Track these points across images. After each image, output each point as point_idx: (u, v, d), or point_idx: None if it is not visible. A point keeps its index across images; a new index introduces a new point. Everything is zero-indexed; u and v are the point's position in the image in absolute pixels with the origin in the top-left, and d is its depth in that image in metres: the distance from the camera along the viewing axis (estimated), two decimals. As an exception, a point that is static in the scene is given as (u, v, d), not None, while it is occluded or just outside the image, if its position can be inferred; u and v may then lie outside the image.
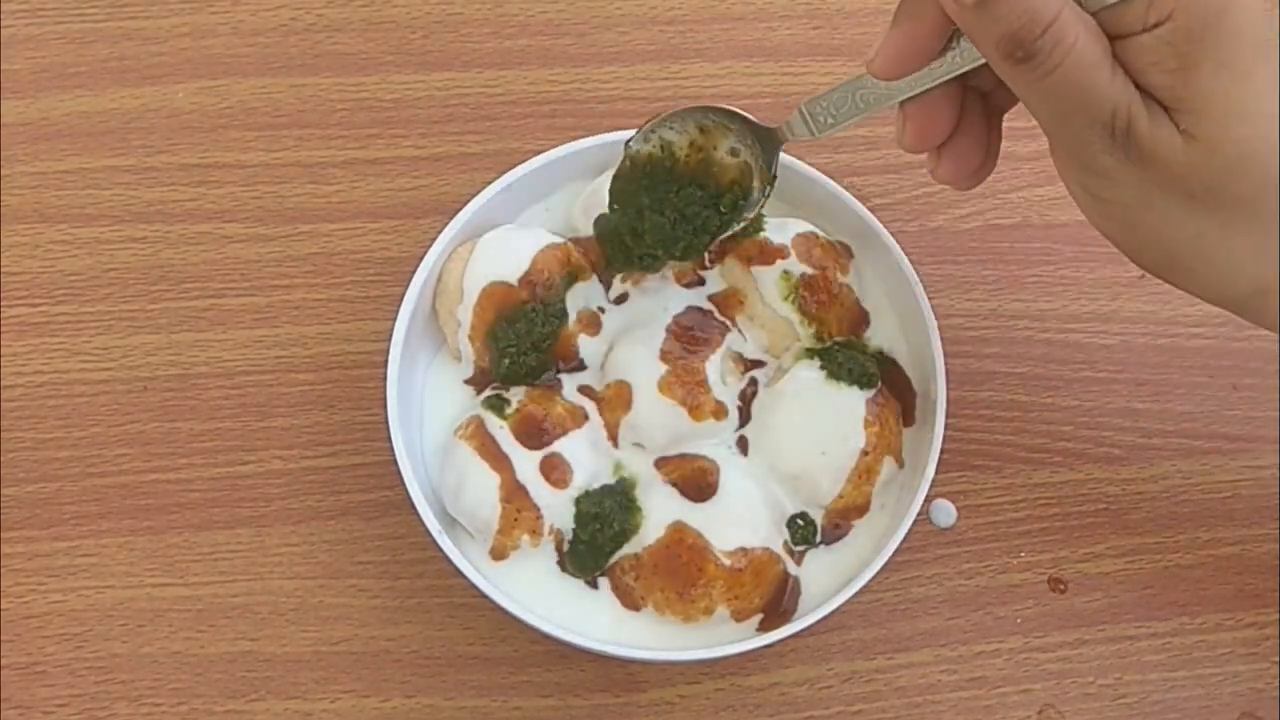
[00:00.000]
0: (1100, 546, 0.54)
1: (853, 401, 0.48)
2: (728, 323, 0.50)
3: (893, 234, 0.51)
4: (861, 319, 0.52)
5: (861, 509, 0.49)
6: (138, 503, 0.53)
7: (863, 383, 0.49)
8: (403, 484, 0.47)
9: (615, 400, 0.49)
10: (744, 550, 0.47)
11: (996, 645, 0.52)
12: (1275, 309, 0.39)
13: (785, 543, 0.48)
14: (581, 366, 0.50)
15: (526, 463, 0.47)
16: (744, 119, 0.45)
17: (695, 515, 0.47)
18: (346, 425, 0.54)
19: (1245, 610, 0.53)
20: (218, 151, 0.59)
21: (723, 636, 0.46)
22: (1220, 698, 0.52)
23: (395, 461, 0.47)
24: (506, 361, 0.49)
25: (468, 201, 0.51)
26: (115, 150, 0.59)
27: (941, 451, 0.48)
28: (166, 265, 0.57)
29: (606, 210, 0.48)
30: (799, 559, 0.49)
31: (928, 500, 0.49)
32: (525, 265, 0.49)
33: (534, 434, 0.47)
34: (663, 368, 0.48)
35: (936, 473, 0.48)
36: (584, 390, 0.49)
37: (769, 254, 0.50)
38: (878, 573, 0.46)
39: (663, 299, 0.51)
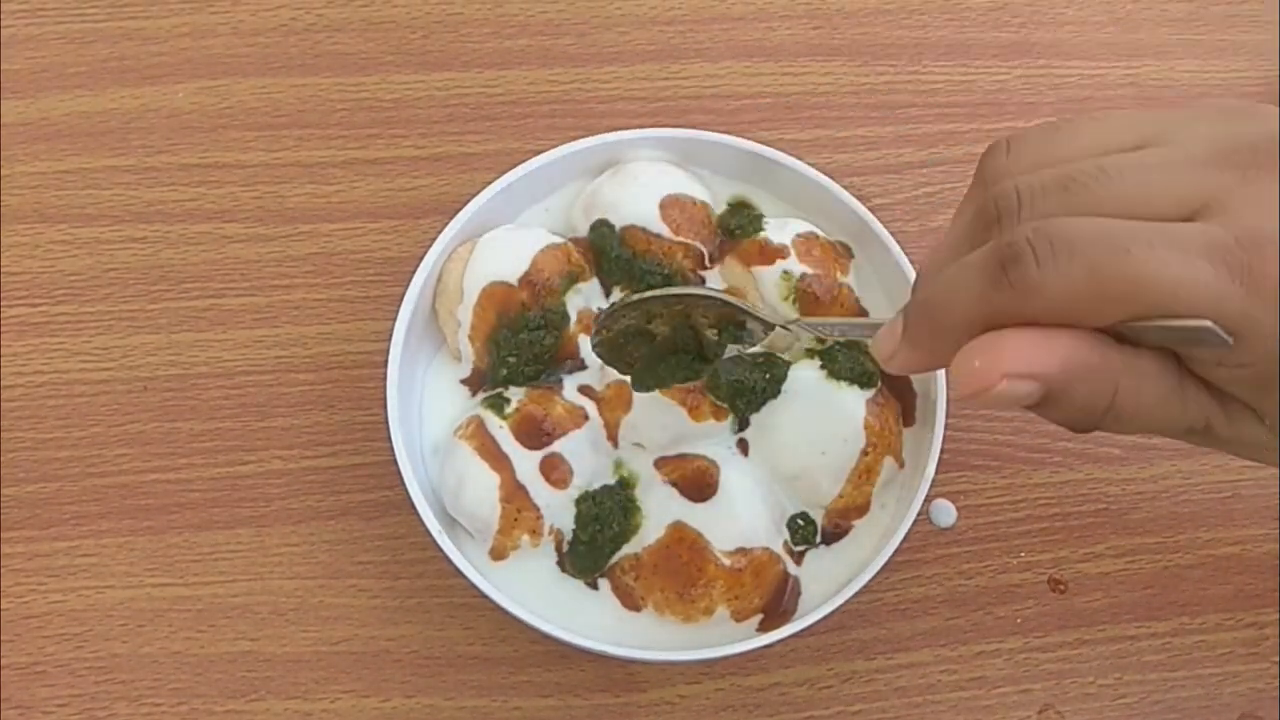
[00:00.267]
0: (1100, 546, 0.54)
1: (853, 401, 0.48)
2: (728, 323, 0.50)
3: (893, 234, 0.51)
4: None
5: (861, 509, 0.49)
6: (138, 503, 0.53)
7: (863, 383, 0.49)
8: (403, 484, 0.47)
9: (615, 400, 0.49)
10: (744, 550, 0.47)
11: (996, 645, 0.52)
12: None
13: (785, 543, 0.48)
14: (582, 366, 0.50)
15: (526, 463, 0.47)
16: (726, 304, 0.44)
17: (695, 515, 0.47)
18: (346, 425, 0.54)
19: (1245, 610, 0.53)
20: (218, 151, 0.59)
21: (723, 636, 0.46)
22: (1220, 698, 0.52)
23: (395, 461, 0.47)
24: (504, 371, 0.49)
25: (468, 201, 0.51)
26: (115, 150, 0.59)
27: (941, 451, 0.48)
28: (166, 265, 0.57)
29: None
30: (799, 559, 0.49)
31: (928, 500, 0.49)
32: (525, 265, 0.49)
33: (534, 434, 0.47)
34: (663, 368, 0.48)
35: (936, 473, 0.48)
36: (584, 390, 0.49)
37: (769, 254, 0.50)
38: (878, 573, 0.46)
39: (663, 299, 0.51)
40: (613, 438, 0.49)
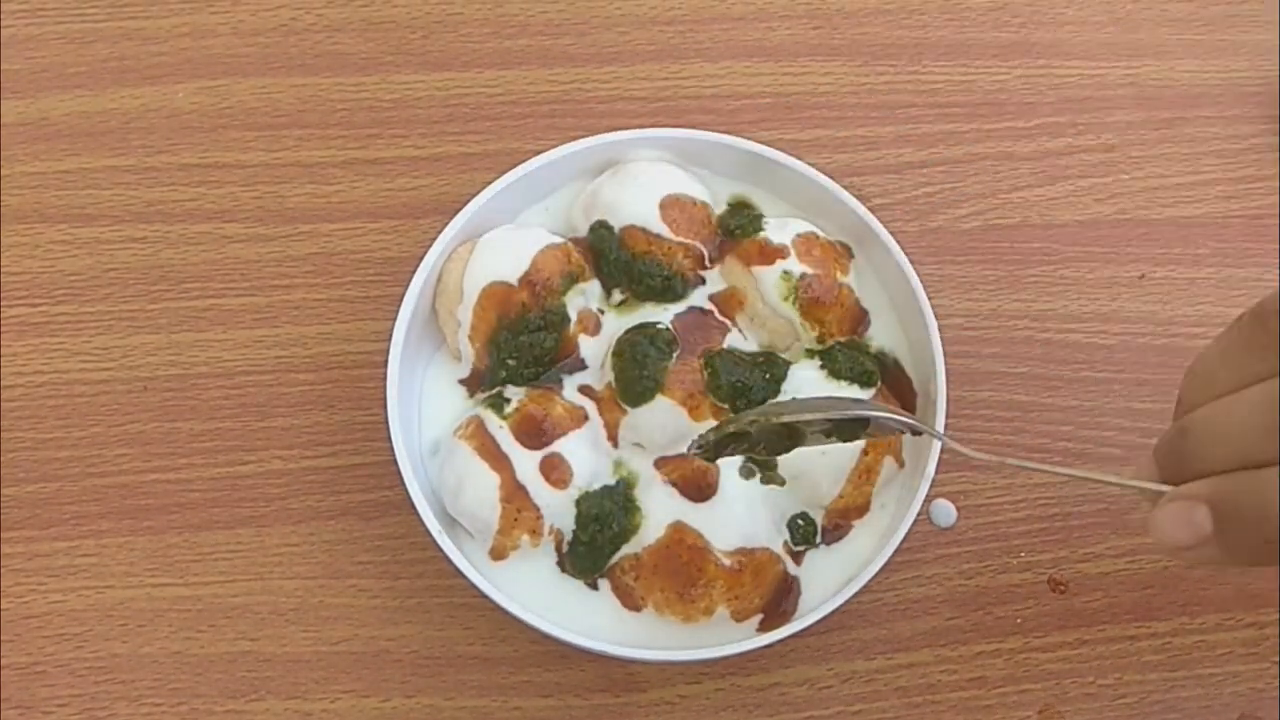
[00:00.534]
0: (1100, 546, 0.54)
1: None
2: (728, 323, 0.50)
3: (893, 234, 0.51)
4: (861, 319, 0.52)
5: (861, 509, 0.49)
6: (138, 503, 0.53)
7: (863, 382, 0.49)
8: (403, 484, 0.47)
9: (615, 400, 0.49)
10: (744, 550, 0.47)
11: (996, 645, 0.52)
12: None
13: (785, 543, 0.48)
14: (582, 366, 0.50)
15: (526, 463, 0.47)
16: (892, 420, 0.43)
17: (695, 515, 0.47)
18: (346, 425, 0.54)
19: (1245, 610, 0.53)
20: (218, 151, 0.59)
21: (723, 636, 0.46)
22: (1220, 698, 0.52)
23: (395, 461, 0.47)
24: (504, 374, 0.49)
25: (468, 201, 0.51)
26: (115, 150, 0.59)
27: (941, 451, 0.48)
28: (166, 265, 0.57)
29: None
30: (799, 559, 0.49)
31: (928, 500, 0.49)
32: (525, 265, 0.49)
33: (534, 434, 0.47)
34: (663, 368, 0.48)
35: (936, 473, 0.48)
36: (584, 390, 0.49)
37: (769, 254, 0.50)
38: (878, 573, 0.46)
39: (663, 299, 0.51)
40: (613, 438, 0.49)
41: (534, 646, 0.51)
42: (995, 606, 0.53)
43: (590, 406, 0.49)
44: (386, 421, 0.47)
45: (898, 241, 0.51)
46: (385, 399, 0.47)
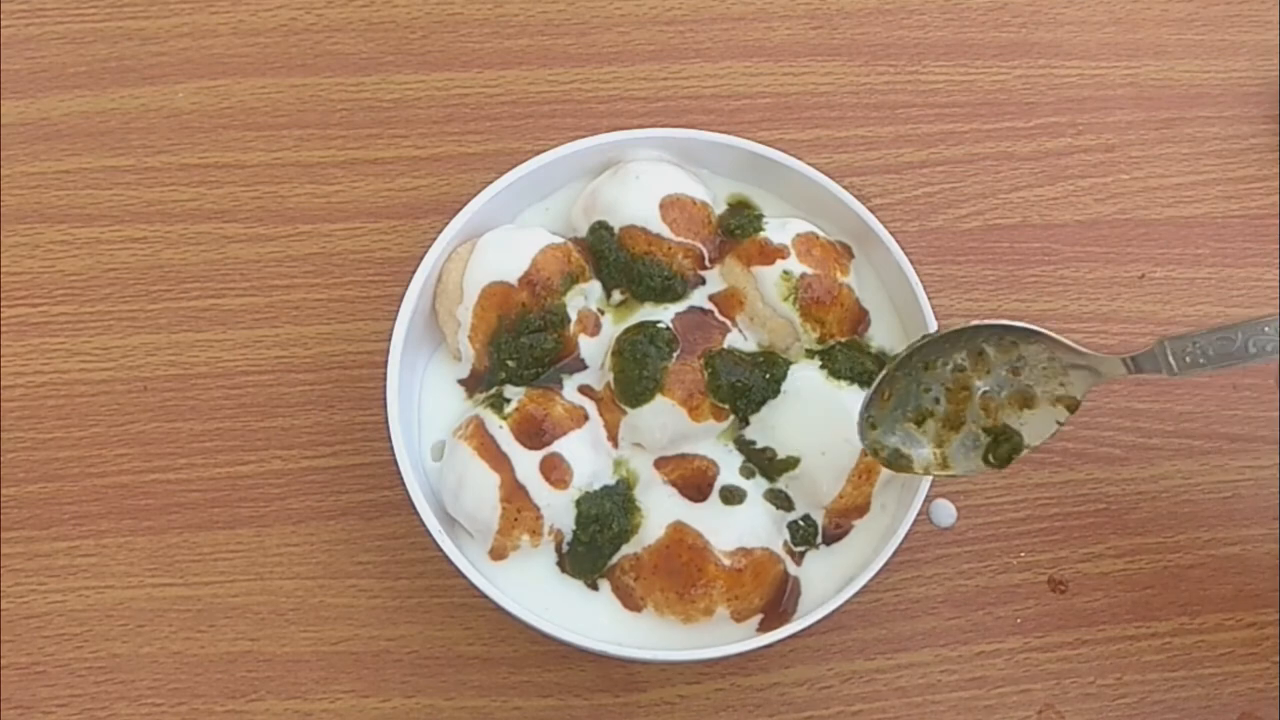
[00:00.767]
0: (1100, 546, 0.54)
1: (852, 401, 0.48)
2: (728, 323, 0.50)
3: (893, 234, 0.51)
4: (861, 319, 0.52)
5: (861, 509, 0.49)
6: (138, 503, 0.53)
7: (863, 382, 0.49)
8: (403, 484, 0.47)
9: (615, 400, 0.49)
10: (744, 550, 0.46)
11: (996, 645, 0.52)
12: None
13: (785, 543, 0.48)
14: (582, 366, 0.50)
15: (526, 462, 0.47)
16: (1050, 340, 0.43)
17: (695, 515, 0.47)
18: (346, 425, 0.54)
19: (1245, 610, 0.53)
20: (218, 151, 0.59)
21: (723, 636, 0.46)
22: (1220, 698, 0.52)
23: (395, 461, 0.47)
24: (503, 374, 0.49)
25: (468, 201, 0.51)
26: (115, 150, 0.59)
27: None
28: (166, 265, 0.57)
29: None
30: (799, 559, 0.49)
31: (928, 500, 0.49)
32: (525, 265, 0.49)
33: (534, 434, 0.47)
34: (663, 368, 0.48)
35: (936, 473, 0.48)
36: (584, 390, 0.49)
37: (769, 254, 0.50)
38: (878, 573, 0.46)
39: (663, 299, 0.51)
40: (613, 438, 0.49)
41: (534, 646, 0.51)
42: (995, 606, 0.53)
43: (590, 406, 0.49)
44: (386, 421, 0.47)
45: (898, 241, 0.51)
46: (385, 399, 0.47)
